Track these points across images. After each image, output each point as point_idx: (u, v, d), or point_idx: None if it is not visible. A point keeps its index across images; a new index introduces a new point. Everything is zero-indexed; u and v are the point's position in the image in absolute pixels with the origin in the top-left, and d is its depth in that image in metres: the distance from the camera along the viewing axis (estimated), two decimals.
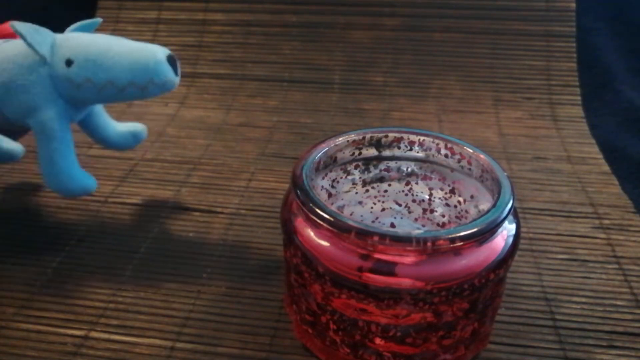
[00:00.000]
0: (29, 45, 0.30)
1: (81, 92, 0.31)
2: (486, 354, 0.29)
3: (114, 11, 0.62)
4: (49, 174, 0.32)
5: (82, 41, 0.32)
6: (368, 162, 0.32)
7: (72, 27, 0.33)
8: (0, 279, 0.34)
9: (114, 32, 0.61)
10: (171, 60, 0.32)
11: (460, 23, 0.59)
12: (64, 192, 0.33)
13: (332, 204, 0.31)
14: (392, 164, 0.32)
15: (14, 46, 0.32)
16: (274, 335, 0.30)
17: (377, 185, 0.33)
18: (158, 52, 0.31)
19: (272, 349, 0.29)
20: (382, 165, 0.32)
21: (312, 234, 0.26)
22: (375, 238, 0.24)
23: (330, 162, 0.31)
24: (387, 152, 0.32)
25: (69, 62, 0.31)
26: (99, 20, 0.34)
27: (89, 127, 0.37)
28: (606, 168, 0.45)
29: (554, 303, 0.32)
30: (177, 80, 0.32)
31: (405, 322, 0.25)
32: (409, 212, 0.33)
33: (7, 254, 0.35)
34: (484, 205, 0.29)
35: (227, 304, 0.32)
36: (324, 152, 0.30)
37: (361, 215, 0.32)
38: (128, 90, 0.31)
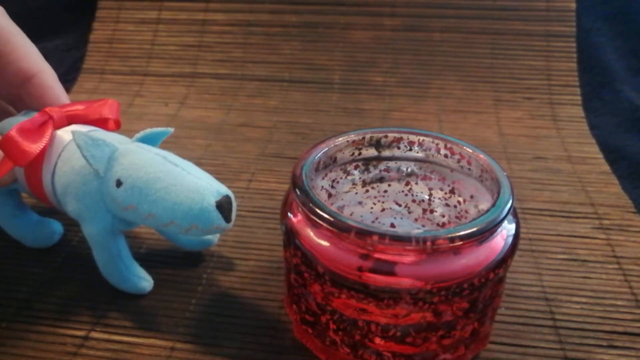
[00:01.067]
0: (85, 157, 0.29)
1: (126, 215, 0.30)
2: (486, 354, 0.29)
3: (114, 11, 0.62)
4: (102, 271, 0.32)
5: (136, 162, 0.29)
6: (368, 162, 0.32)
7: (141, 134, 0.31)
8: (0, 279, 0.34)
9: (114, 32, 0.61)
10: (223, 205, 0.28)
11: (460, 23, 0.59)
12: (118, 288, 0.32)
13: (332, 204, 0.31)
14: (392, 164, 0.32)
15: (78, 153, 0.31)
16: (274, 335, 0.30)
17: (377, 186, 0.33)
18: (206, 197, 0.28)
19: (272, 349, 0.29)
20: (382, 166, 0.32)
21: (311, 234, 0.26)
22: (375, 238, 0.24)
23: (330, 163, 0.31)
24: (386, 153, 0.32)
25: (118, 183, 0.29)
26: (169, 130, 0.32)
27: (156, 229, 0.35)
28: (606, 168, 0.45)
29: (554, 303, 0.32)
30: (226, 226, 0.28)
31: (405, 321, 0.25)
32: (409, 213, 0.33)
33: (8, 253, 0.35)
34: (484, 205, 0.29)
35: (227, 304, 0.32)
36: (323, 152, 0.30)
37: (361, 216, 0.32)
38: (170, 228, 0.29)
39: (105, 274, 0.32)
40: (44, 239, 0.36)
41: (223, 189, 0.28)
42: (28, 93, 0.32)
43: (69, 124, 0.32)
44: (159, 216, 0.28)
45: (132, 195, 0.29)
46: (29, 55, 0.33)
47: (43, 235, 0.36)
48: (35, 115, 0.31)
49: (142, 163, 0.29)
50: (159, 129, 0.31)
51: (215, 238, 0.36)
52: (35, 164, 0.31)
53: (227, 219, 0.28)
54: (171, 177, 0.28)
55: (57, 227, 0.36)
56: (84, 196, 0.30)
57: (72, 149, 0.31)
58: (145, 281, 0.32)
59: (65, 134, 0.31)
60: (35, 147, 0.30)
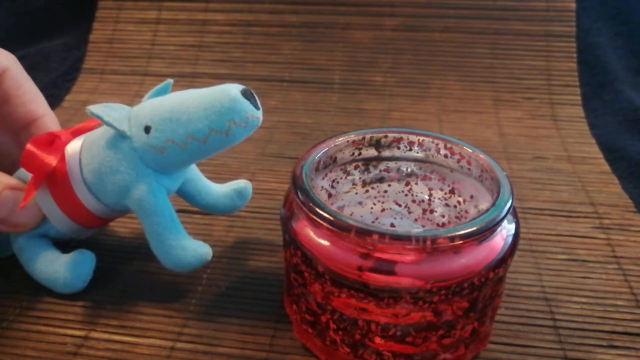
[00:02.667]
0: (107, 124, 0.29)
1: (166, 156, 0.29)
2: (486, 354, 0.29)
3: (114, 11, 0.62)
4: (160, 251, 0.30)
5: (155, 104, 0.30)
6: (368, 162, 0.32)
7: (147, 95, 0.32)
8: (0, 279, 0.34)
9: (114, 32, 0.61)
10: (247, 94, 0.29)
11: (460, 23, 0.59)
12: (180, 266, 0.30)
13: (332, 204, 0.31)
14: (392, 164, 0.32)
15: (97, 133, 0.31)
16: (274, 335, 0.30)
17: (377, 186, 0.33)
18: (231, 90, 0.29)
19: (272, 349, 0.29)
20: (382, 166, 0.32)
21: (311, 233, 0.26)
22: (375, 237, 0.24)
23: (330, 163, 0.31)
24: (386, 153, 0.32)
25: (147, 129, 0.29)
26: (170, 81, 0.32)
27: (188, 195, 0.35)
28: (606, 168, 0.45)
29: (554, 303, 0.32)
30: (258, 113, 0.29)
31: (405, 321, 0.25)
32: (409, 213, 0.33)
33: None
34: (484, 205, 0.29)
35: (227, 304, 0.32)
36: (323, 153, 0.30)
37: (361, 216, 0.32)
38: (212, 140, 0.29)
39: (161, 250, 0.30)
40: (78, 279, 0.33)
41: (240, 84, 0.29)
42: (31, 134, 0.33)
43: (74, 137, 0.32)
44: (197, 131, 0.29)
45: (164, 129, 0.29)
46: (37, 100, 0.34)
47: (77, 275, 0.33)
48: (42, 134, 0.31)
49: (158, 103, 0.30)
50: (160, 85, 0.32)
51: (249, 188, 0.36)
52: (61, 181, 0.31)
53: (256, 105, 0.29)
54: (193, 94, 0.30)
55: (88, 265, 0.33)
56: (119, 164, 0.30)
57: (89, 142, 0.31)
58: (204, 247, 0.31)
59: (75, 143, 0.32)
60: (52, 158, 0.31)
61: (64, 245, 0.34)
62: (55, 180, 0.31)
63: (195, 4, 0.62)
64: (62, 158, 0.31)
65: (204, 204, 0.35)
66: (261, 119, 0.30)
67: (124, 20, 0.62)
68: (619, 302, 0.32)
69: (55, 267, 0.32)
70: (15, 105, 0.33)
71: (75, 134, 0.32)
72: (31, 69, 0.62)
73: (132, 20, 0.62)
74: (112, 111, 0.30)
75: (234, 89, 0.29)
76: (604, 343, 0.30)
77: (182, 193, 0.35)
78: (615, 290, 0.33)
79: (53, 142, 0.31)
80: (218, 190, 0.36)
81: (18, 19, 0.68)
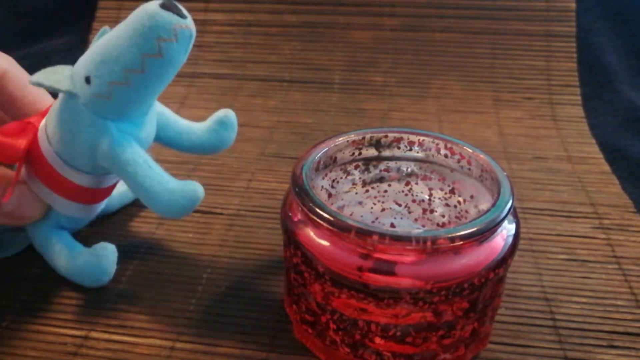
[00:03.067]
0: (50, 88, 0.28)
1: (115, 100, 0.28)
2: (486, 354, 0.29)
3: (114, 11, 0.62)
4: (148, 201, 0.29)
5: (89, 53, 0.29)
6: (368, 162, 0.32)
7: (89, 48, 0.31)
8: (0, 279, 0.34)
9: None
10: (166, 5, 0.27)
11: (460, 23, 0.59)
12: (172, 212, 0.29)
13: (332, 204, 0.31)
14: (392, 164, 0.32)
15: (54, 104, 0.31)
16: (274, 335, 0.30)
17: (377, 186, 0.33)
18: (148, 6, 0.27)
19: (272, 349, 0.29)
20: (382, 166, 0.32)
21: (312, 233, 0.26)
22: (375, 237, 0.24)
23: (330, 162, 0.31)
24: (386, 153, 0.32)
25: (87, 80, 0.28)
26: (106, 28, 0.30)
27: (170, 140, 0.34)
28: (606, 168, 0.45)
29: (554, 303, 0.32)
30: (186, 22, 0.27)
31: (405, 321, 0.25)
32: (409, 213, 0.33)
33: None
34: (484, 205, 0.29)
35: (227, 304, 0.32)
36: (323, 152, 0.30)
37: (361, 216, 0.32)
38: (149, 66, 0.27)
39: (150, 199, 0.29)
40: (98, 272, 0.32)
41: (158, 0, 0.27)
42: None
43: None
44: (130, 62, 0.27)
45: (102, 73, 0.28)
46: (43, 98, 0.34)
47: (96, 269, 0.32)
48: (12, 122, 0.31)
49: (91, 51, 0.29)
50: (97, 34, 0.30)
51: (230, 115, 0.34)
52: (40, 162, 0.31)
53: (180, 14, 0.27)
54: (115, 30, 0.28)
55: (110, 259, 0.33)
56: (75, 125, 0.29)
57: (49, 115, 0.31)
58: (191, 184, 0.29)
59: (42, 121, 0.31)
60: (21, 141, 0.30)
61: (85, 240, 0.34)
62: (35, 163, 0.31)
63: (195, 4, 0.62)
64: (35, 140, 0.31)
65: (189, 145, 0.34)
66: (192, 27, 0.28)
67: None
68: (619, 302, 0.32)
69: (79, 262, 0.32)
70: (22, 106, 0.33)
71: (44, 115, 0.32)
72: (31, 69, 0.62)
73: None
74: (52, 74, 0.29)
75: (151, 4, 0.27)
76: (604, 343, 0.30)
77: (163, 140, 0.34)
78: (615, 290, 0.33)
79: (25, 128, 0.31)
80: (201, 127, 0.34)
81: (18, 19, 0.68)
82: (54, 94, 0.31)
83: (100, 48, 0.28)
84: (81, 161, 0.30)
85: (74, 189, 0.31)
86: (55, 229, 0.33)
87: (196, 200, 0.29)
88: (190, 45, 0.28)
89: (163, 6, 0.27)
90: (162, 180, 0.29)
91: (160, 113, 0.33)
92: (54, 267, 0.33)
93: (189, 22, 0.27)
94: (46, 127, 0.31)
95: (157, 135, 0.33)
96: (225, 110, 0.35)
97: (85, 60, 0.29)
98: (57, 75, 0.29)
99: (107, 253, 0.32)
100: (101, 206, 0.35)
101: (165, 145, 0.34)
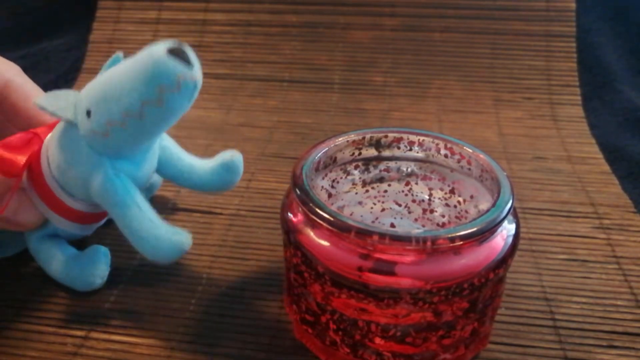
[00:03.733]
0: (53, 114, 0.27)
1: (111, 139, 0.27)
2: (486, 354, 0.29)
3: (114, 11, 0.62)
4: (134, 243, 0.28)
5: (93, 84, 0.28)
6: (368, 162, 0.32)
7: (100, 72, 0.30)
8: (0, 279, 0.34)
9: (114, 32, 0.61)
10: (176, 51, 0.25)
11: (460, 23, 0.59)
12: (157, 258, 0.28)
13: (332, 204, 0.31)
14: (392, 164, 0.32)
15: (56, 128, 0.30)
16: (274, 335, 0.30)
17: (377, 186, 0.33)
18: (154, 51, 0.25)
19: (272, 349, 0.29)
20: (382, 166, 0.32)
21: (312, 233, 0.26)
22: (375, 237, 0.24)
23: (330, 162, 0.31)
24: (386, 153, 0.32)
25: (88, 113, 0.27)
26: (120, 55, 0.29)
27: (171, 177, 0.33)
28: (606, 168, 0.45)
29: (554, 303, 0.32)
30: (192, 72, 0.25)
31: (405, 321, 0.25)
32: (409, 213, 0.33)
33: None
34: (484, 205, 0.29)
35: (227, 304, 0.32)
36: (323, 152, 0.30)
37: (361, 216, 0.32)
38: (147, 114, 0.26)
39: (136, 243, 0.28)
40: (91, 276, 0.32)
41: (170, 41, 0.25)
42: None
43: None
44: (129, 106, 0.26)
45: (102, 110, 0.27)
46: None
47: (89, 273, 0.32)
48: (19, 133, 0.30)
49: (95, 82, 0.28)
50: (109, 60, 0.30)
51: (237, 159, 0.33)
52: (40, 180, 0.30)
53: (187, 61, 0.25)
54: (119, 67, 0.27)
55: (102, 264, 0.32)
56: (72, 156, 0.28)
57: (51, 138, 0.30)
58: (179, 234, 0.28)
59: (47, 138, 0.31)
60: (22, 158, 0.29)
61: (79, 242, 0.34)
62: (35, 180, 0.31)
63: (195, 4, 0.62)
64: (38, 155, 0.30)
65: (190, 184, 0.33)
66: (197, 78, 0.26)
67: (124, 20, 0.62)
68: (619, 302, 0.32)
69: (72, 266, 0.32)
70: (26, 117, 0.33)
71: (52, 128, 0.31)
72: (31, 69, 0.62)
73: (132, 20, 0.62)
74: (57, 100, 0.28)
75: (158, 49, 0.25)
76: (604, 343, 0.30)
77: (165, 175, 0.33)
78: (615, 290, 0.33)
79: (30, 141, 0.30)
80: (204, 167, 0.33)
81: (18, 19, 0.68)
82: None
83: (104, 84, 0.27)
84: (75, 190, 0.30)
85: (69, 211, 0.31)
86: (50, 236, 0.33)
87: (182, 251, 0.28)
88: (195, 96, 0.27)
89: (171, 52, 0.25)
90: (150, 226, 0.28)
91: (164, 148, 0.32)
92: (47, 272, 0.33)
93: (194, 73, 0.26)
94: (47, 149, 0.30)
95: (159, 170, 0.32)
96: (232, 154, 0.33)
97: (89, 92, 0.28)
98: (62, 101, 0.28)
99: (100, 256, 0.32)
100: (98, 225, 0.35)
101: (168, 179, 0.33)
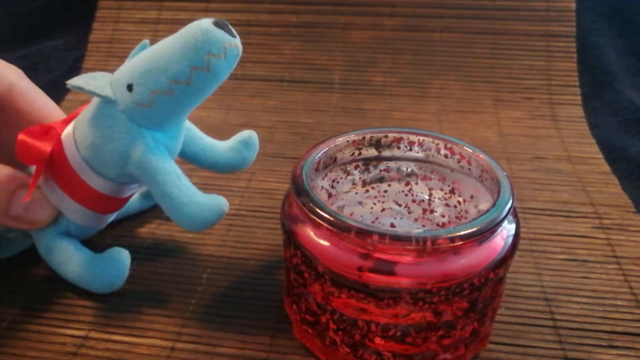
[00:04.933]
0: (90, 92, 0.29)
1: (155, 109, 0.29)
2: (486, 354, 0.29)
3: (114, 11, 0.62)
4: (173, 212, 0.29)
5: (132, 63, 0.30)
6: (368, 162, 0.32)
7: (127, 59, 0.31)
8: (0, 279, 0.34)
9: (114, 32, 0.61)
10: (220, 23, 0.28)
11: (460, 23, 0.59)
12: (197, 224, 0.29)
13: (332, 204, 0.31)
14: (392, 164, 0.32)
15: (85, 111, 0.31)
16: (274, 335, 0.30)
17: (377, 186, 0.33)
18: (202, 23, 0.28)
19: (272, 349, 0.29)
20: (382, 166, 0.32)
21: (311, 233, 0.26)
22: (375, 237, 0.24)
23: (330, 163, 0.31)
24: (386, 153, 0.32)
25: (130, 87, 0.29)
26: (146, 42, 0.31)
27: (193, 156, 0.34)
28: (606, 168, 0.45)
29: (554, 303, 0.32)
30: (236, 41, 0.28)
31: (405, 321, 0.25)
32: (409, 213, 0.33)
33: None
34: (484, 205, 0.29)
35: (227, 304, 0.32)
36: (323, 153, 0.30)
37: (361, 216, 0.32)
38: (195, 79, 0.28)
39: (175, 210, 0.29)
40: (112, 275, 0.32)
41: (210, 18, 0.28)
42: None
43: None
44: (178, 73, 0.28)
45: (146, 82, 0.28)
46: (52, 115, 0.34)
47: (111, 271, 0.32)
48: (35, 126, 0.31)
49: (135, 60, 0.30)
50: (137, 47, 0.31)
51: (254, 136, 0.35)
52: (62, 167, 0.31)
53: (231, 33, 0.28)
54: (163, 42, 0.29)
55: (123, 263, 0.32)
56: (111, 131, 0.29)
57: (79, 122, 0.31)
58: (217, 198, 0.30)
59: (68, 128, 0.31)
60: (47, 144, 0.30)
61: (91, 244, 0.34)
62: (56, 168, 0.31)
63: (195, 4, 0.62)
64: (59, 144, 0.31)
65: (211, 162, 0.34)
66: (240, 47, 0.29)
67: (124, 20, 0.62)
68: (619, 302, 0.32)
69: (92, 267, 0.32)
70: (30, 121, 0.33)
71: (68, 122, 0.32)
72: (31, 69, 0.62)
73: (132, 20, 0.62)
74: (92, 80, 0.29)
75: (204, 22, 0.28)
76: (604, 343, 0.30)
77: (187, 155, 0.34)
78: (615, 290, 0.33)
79: (48, 132, 0.31)
80: (224, 146, 0.35)
81: (18, 19, 0.68)
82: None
83: (147, 58, 0.29)
84: (109, 168, 0.30)
85: (91, 196, 0.31)
86: (62, 235, 0.33)
87: (221, 214, 0.30)
88: (235, 63, 0.29)
89: (216, 24, 0.28)
90: (189, 192, 0.29)
91: (187, 129, 0.34)
92: (61, 273, 0.33)
93: (237, 42, 0.29)
94: (74, 132, 0.31)
95: (181, 150, 0.33)
96: (250, 132, 0.36)
97: (129, 69, 0.29)
98: (97, 80, 0.30)
99: (122, 257, 0.32)
100: (111, 217, 0.35)
101: (188, 160, 0.34)
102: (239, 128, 0.36)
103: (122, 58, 0.62)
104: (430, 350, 0.26)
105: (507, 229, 0.26)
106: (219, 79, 0.29)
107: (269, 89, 0.57)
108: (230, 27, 0.29)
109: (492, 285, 0.26)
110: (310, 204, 0.26)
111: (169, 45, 0.29)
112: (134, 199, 0.39)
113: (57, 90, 0.57)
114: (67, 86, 0.29)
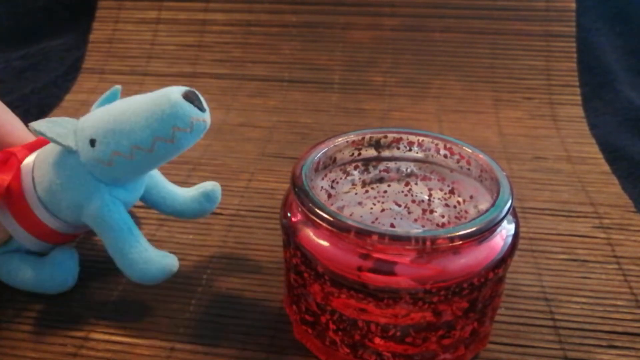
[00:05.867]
0: (52, 140, 0.28)
1: (115, 169, 0.29)
2: (486, 354, 0.29)
3: (114, 11, 0.62)
4: (123, 267, 0.29)
5: (99, 115, 0.29)
6: (367, 162, 0.32)
7: (95, 104, 0.31)
8: (0, 280, 0.34)
9: (114, 32, 0.61)
10: (190, 96, 0.28)
11: (460, 23, 0.59)
12: (145, 280, 0.29)
13: (331, 204, 0.31)
14: (392, 164, 0.32)
15: (47, 149, 0.31)
16: (274, 335, 0.30)
17: (377, 186, 0.33)
18: (172, 94, 0.28)
19: (272, 349, 0.29)
20: (382, 166, 0.32)
21: (311, 234, 0.26)
22: (375, 237, 0.24)
23: (329, 163, 0.31)
24: (386, 153, 0.32)
25: (92, 142, 0.28)
26: (118, 88, 0.31)
27: (153, 203, 0.34)
28: (606, 168, 0.45)
29: (553, 303, 0.32)
30: (204, 116, 0.28)
31: (405, 321, 0.25)
32: (409, 213, 0.33)
33: None
34: (484, 206, 0.29)
35: (227, 304, 0.32)
36: (323, 153, 0.30)
37: (361, 216, 0.32)
38: (158, 148, 0.28)
39: (125, 265, 0.30)
40: (63, 277, 0.32)
41: (182, 87, 0.28)
42: None
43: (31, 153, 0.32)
44: (141, 141, 0.28)
45: (108, 142, 0.28)
46: (16, 131, 0.33)
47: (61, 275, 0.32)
48: None
49: (102, 114, 0.29)
50: (107, 92, 0.31)
51: (217, 190, 0.35)
52: (18, 200, 0.31)
53: (200, 107, 0.28)
54: (131, 103, 0.29)
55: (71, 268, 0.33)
56: (69, 180, 0.29)
57: (39, 160, 0.31)
58: (168, 257, 0.30)
59: (29, 159, 0.31)
60: (4, 178, 0.30)
61: (84, 238, 0.34)
62: (12, 199, 0.31)
63: (195, 4, 0.62)
64: (17, 175, 0.31)
65: (171, 210, 0.34)
66: (208, 121, 0.29)
67: (124, 20, 0.62)
68: (619, 302, 0.32)
69: (40, 270, 0.32)
70: None
71: (32, 149, 0.32)
72: (31, 69, 0.62)
73: (132, 20, 0.62)
74: (56, 126, 0.29)
75: (174, 93, 0.28)
76: (604, 343, 0.30)
77: (147, 201, 0.34)
78: (615, 290, 0.33)
79: (8, 161, 0.31)
80: (185, 195, 0.35)
81: (18, 19, 0.68)
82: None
83: (113, 116, 0.29)
84: (64, 213, 0.30)
85: (45, 231, 0.31)
86: (12, 252, 0.33)
87: (169, 274, 0.30)
88: (201, 136, 0.29)
89: (186, 97, 0.28)
90: (140, 249, 0.29)
91: (150, 175, 0.34)
92: (12, 283, 0.32)
93: (206, 116, 0.28)
94: (33, 170, 0.31)
95: (142, 196, 0.33)
96: (213, 184, 0.35)
97: (93, 122, 0.29)
98: (61, 127, 0.29)
99: (68, 256, 0.32)
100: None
101: (148, 205, 0.34)
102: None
103: (122, 58, 0.62)
104: (430, 350, 0.26)
105: (507, 228, 0.26)
106: (182, 150, 0.29)
107: (269, 89, 0.57)
108: (201, 99, 0.28)
109: (492, 285, 0.26)
110: (310, 204, 0.26)
111: (136, 109, 0.28)
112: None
113: (57, 90, 0.58)
114: (30, 129, 0.29)
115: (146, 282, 0.30)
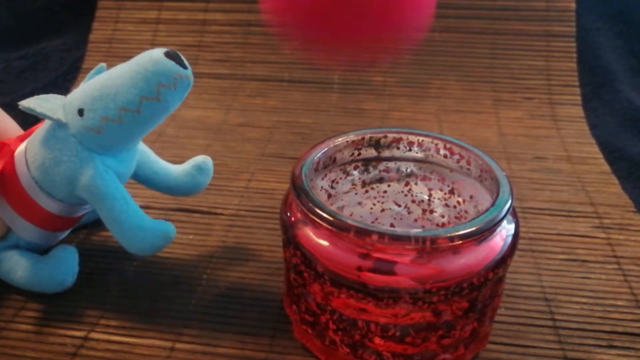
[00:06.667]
0: (41, 115, 0.29)
1: (105, 135, 0.29)
2: (486, 354, 0.29)
3: (114, 11, 0.62)
4: (120, 236, 0.30)
5: (85, 87, 0.30)
6: (367, 162, 0.32)
7: (83, 82, 0.32)
8: (0, 280, 0.34)
9: (114, 32, 0.61)
10: (171, 54, 0.29)
11: (460, 23, 0.59)
12: (143, 249, 0.30)
13: (331, 204, 0.31)
14: (392, 164, 0.32)
15: (38, 130, 0.31)
16: (274, 335, 0.30)
17: (377, 186, 0.33)
18: (153, 53, 0.29)
19: (272, 349, 0.29)
20: (382, 166, 0.32)
21: (311, 233, 0.26)
22: (374, 237, 0.24)
23: (329, 163, 0.31)
24: (386, 153, 0.32)
25: (80, 112, 0.29)
26: (103, 65, 0.32)
27: (146, 179, 0.34)
28: (606, 168, 0.45)
29: (553, 303, 0.32)
30: (186, 72, 0.29)
31: (405, 321, 0.25)
32: (409, 213, 0.33)
33: None
34: (483, 206, 0.29)
35: (227, 304, 0.32)
36: (323, 153, 0.30)
37: (361, 216, 0.32)
38: (145, 108, 0.29)
39: (122, 234, 0.30)
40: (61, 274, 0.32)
41: (162, 48, 0.29)
42: None
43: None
44: (128, 102, 0.28)
45: (96, 107, 0.29)
46: (10, 129, 0.34)
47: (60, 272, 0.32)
48: None
49: (88, 85, 0.30)
50: (93, 70, 0.31)
51: (208, 162, 0.35)
52: (13, 185, 0.31)
53: (182, 64, 0.29)
54: (115, 69, 0.30)
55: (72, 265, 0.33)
56: (61, 154, 0.30)
57: (31, 141, 0.31)
58: (165, 224, 0.30)
59: (21, 146, 0.32)
60: None
61: (84, 238, 0.34)
62: (7, 186, 0.31)
63: (195, 4, 0.62)
64: (11, 162, 0.31)
65: (164, 186, 0.35)
66: (191, 78, 0.29)
67: (124, 20, 0.62)
68: (618, 302, 0.32)
69: (39, 268, 0.32)
70: None
71: (23, 139, 0.32)
72: (31, 69, 0.62)
73: (132, 20, 0.62)
74: (44, 102, 0.30)
75: (156, 52, 0.29)
76: (604, 343, 0.30)
77: (140, 178, 0.34)
78: (615, 290, 0.33)
79: (1, 150, 0.31)
80: (177, 170, 0.35)
81: (18, 19, 0.68)
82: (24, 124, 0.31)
83: (99, 84, 0.29)
84: (58, 189, 0.31)
85: (41, 215, 0.32)
86: (11, 248, 0.33)
87: (168, 240, 0.30)
88: (186, 94, 0.30)
89: (167, 55, 0.29)
90: (137, 218, 0.30)
91: (141, 152, 0.34)
92: (10, 281, 0.32)
93: (188, 73, 0.29)
94: (26, 152, 0.31)
95: (135, 173, 0.33)
96: (204, 157, 0.36)
97: (81, 93, 0.30)
98: (50, 103, 0.30)
99: (68, 255, 0.32)
100: (63, 235, 0.35)
101: (141, 183, 0.35)
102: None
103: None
104: (430, 350, 0.26)
105: (507, 228, 0.26)
106: (169, 109, 0.30)
107: (269, 89, 0.57)
108: (182, 58, 0.29)
109: (492, 285, 0.26)
110: (310, 204, 0.26)
111: (120, 73, 0.29)
112: None
113: (57, 91, 0.57)
114: (20, 107, 0.29)
115: (145, 251, 0.30)
